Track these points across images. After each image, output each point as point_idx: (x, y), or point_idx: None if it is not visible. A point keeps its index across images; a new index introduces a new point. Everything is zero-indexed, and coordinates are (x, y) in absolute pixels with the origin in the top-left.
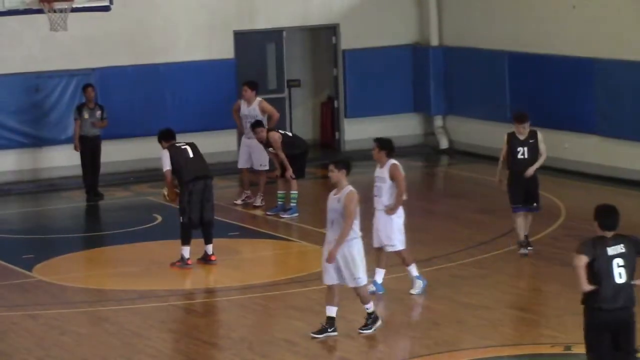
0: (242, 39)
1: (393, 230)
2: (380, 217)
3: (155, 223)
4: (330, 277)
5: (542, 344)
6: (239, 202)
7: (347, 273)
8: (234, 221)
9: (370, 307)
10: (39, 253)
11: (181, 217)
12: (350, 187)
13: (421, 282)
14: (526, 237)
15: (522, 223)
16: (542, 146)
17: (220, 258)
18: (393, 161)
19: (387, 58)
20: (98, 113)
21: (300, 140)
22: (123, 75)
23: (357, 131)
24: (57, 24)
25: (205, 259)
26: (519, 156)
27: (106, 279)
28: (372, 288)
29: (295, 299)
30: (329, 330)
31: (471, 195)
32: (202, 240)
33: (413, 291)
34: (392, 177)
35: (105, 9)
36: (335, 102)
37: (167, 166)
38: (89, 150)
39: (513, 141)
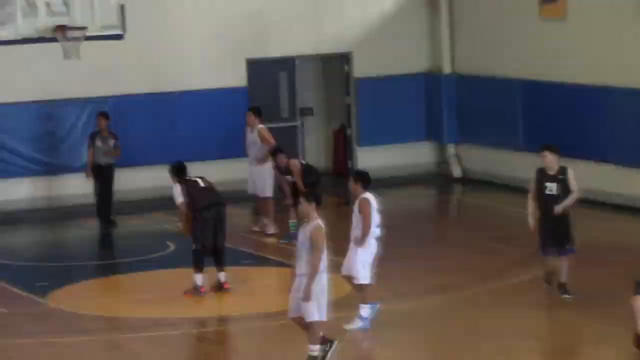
0: (255, 67)
1: (356, 264)
2: (350, 249)
3: (168, 251)
4: (291, 311)
5: None
6: (256, 229)
7: (303, 306)
8: (247, 249)
9: (315, 350)
10: (53, 280)
11: (194, 244)
12: (317, 221)
13: (361, 323)
14: (563, 284)
15: (551, 262)
16: (573, 183)
17: (233, 286)
18: (364, 195)
19: (399, 86)
20: (111, 142)
21: (313, 168)
22: (137, 103)
23: (370, 159)
24: (71, 52)
25: (219, 287)
26: (547, 192)
27: (120, 306)
28: (359, 323)
29: None
30: (326, 349)
31: (485, 223)
32: (214, 268)
33: (348, 326)
34: (360, 211)
35: (119, 37)
36: (348, 131)
37: (180, 198)
38: (103, 178)
39: (541, 177)
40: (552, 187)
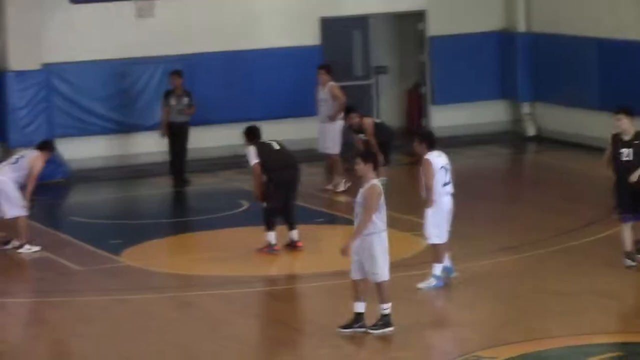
0: (329, 25)
1: (426, 223)
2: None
3: (241, 209)
4: (354, 273)
5: (631, 332)
6: (329, 187)
7: (367, 268)
8: (319, 207)
9: (386, 308)
10: (126, 238)
11: (265, 203)
12: (373, 181)
13: (434, 282)
14: (637, 243)
15: (629, 233)
16: None
17: (305, 244)
18: (426, 156)
19: (474, 44)
20: (185, 100)
21: (386, 127)
22: (210, 61)
23: (444, 118)
24: (144, 11)
25: (292, 245)
26: (623, 158)
27: (193, 264)
28: (432, 282)
29: None
30: (354, 326)
31: (559, 182)
32: (286, 226)
33: (421, 284)
34: (422, 172)
35: None
36: (422, 89)
37: (254, 160)
38: (176, 136)
39: (616, 142)
40: (627, 153)
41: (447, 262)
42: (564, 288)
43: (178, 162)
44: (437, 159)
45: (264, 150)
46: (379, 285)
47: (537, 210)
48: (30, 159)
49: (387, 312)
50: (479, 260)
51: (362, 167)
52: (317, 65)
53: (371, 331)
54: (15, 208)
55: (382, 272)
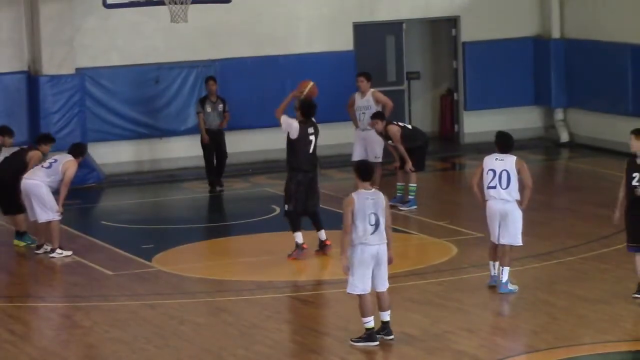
0: (362, 31)
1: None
2: None
3: (273, 214)
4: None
5: None
6: None
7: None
8: None
9: (367, 322)
10: (158, 243)
11: (286, 205)
12: (353, 194)
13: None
14: None
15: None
16: None
17: (338, 251)
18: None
19: (507, 50)
20: (220, 106)
21: (419, 132)
22: (243, 66)
23: (476, 124)
24: (178, 16)
25: (321, 246)
26: (634, 182)
27: (225, 269)
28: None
29: (412, 291)
30: (381, 333)
31: (592, 189)
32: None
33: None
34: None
35: (226, 0)
36: (455, 95)
37: (288, 131)
38: (213, 143)
39: (630, 165)
40: (639, 178)
41: (492, 270)
42: (595, 295)
43: (218, 168)
44: (490, 161)
45: (302, 144)
46: (357, 298)
47: (569, 217)
48: (64, 163)
49: (368, 325)
50: (510, 266)
51: (355, 176)
52: (350, 70)
53: (352, 342)
54: (48, 212)
55: (353, 284)
